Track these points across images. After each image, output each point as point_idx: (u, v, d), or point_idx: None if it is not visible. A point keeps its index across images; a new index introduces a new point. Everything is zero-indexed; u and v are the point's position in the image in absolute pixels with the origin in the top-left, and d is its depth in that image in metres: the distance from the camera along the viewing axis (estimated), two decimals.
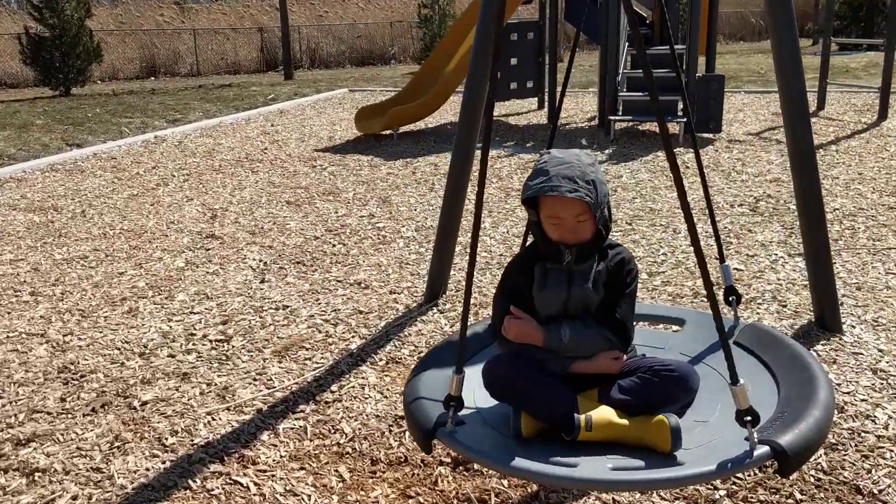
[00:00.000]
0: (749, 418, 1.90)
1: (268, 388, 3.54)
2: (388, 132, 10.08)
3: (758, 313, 4.18)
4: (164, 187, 7.63)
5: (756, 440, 1.89)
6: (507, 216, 6.29)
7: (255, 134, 10.57)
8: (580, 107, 12.64)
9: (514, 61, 11.33)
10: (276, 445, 3.10)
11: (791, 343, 2.50)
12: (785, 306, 4.26)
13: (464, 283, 4.69)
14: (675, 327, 2.92)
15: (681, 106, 9.73)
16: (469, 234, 5.65)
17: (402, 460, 3.00)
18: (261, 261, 5.34)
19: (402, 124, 10.21)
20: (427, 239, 5.74)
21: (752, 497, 2.71)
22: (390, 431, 3.18)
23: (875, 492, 2.69)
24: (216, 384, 3.58)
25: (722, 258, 2.93)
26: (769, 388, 2.30)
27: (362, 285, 4.82)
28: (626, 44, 10.10)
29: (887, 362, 3.59)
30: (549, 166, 2.24)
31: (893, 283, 4.57)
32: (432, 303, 4.44)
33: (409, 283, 4.84)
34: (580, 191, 2.19)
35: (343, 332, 4.13)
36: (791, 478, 2.79)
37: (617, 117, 9.66)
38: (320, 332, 4.15)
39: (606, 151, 8.83)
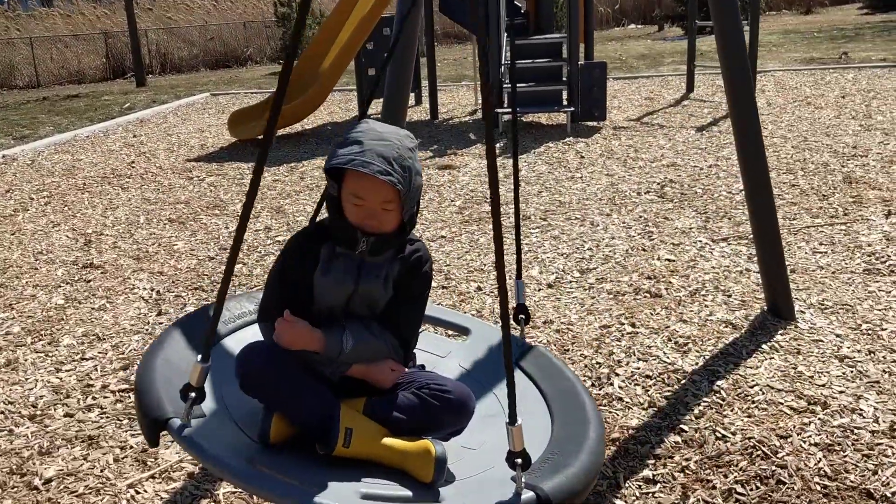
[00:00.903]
0: (520, 461, 1.70)
1: None
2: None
3: (706, 305, 4.01)
4: (24, 213, 6.78)
5: (523, 484, 1.71)
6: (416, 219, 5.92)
7: (118, 147, 9.70)
8: (457, 101, 12.42)
9: None
10: None
11: (569, 375, 2.35)
12: (730, 296, 4.11)
13: None
14: (460, 336, 2.74)
15: (565, 95, 9.66)
16: None
17: None
18: (153, 290, 4.74)
19: (281, 127, 9.64)
20: None
21: None
22: None
23: (888, 494, 2.52)
24: (132, 446, 3.03)
25: (519, 274, 2.68)
26: (543, 423, 2.14)
27: None
28: (506, 34, 9.92)
29: (849, 348, 3.49)
30: (364, 137, 1.94)
31: (824, 261, 4.53)
32: None
33: None
34: (393, 175, 1.90)
35: None
36: (796, 487, 2.58)
37: (503, 110, 9.46)
38: None
39: (497, 145, 8.61)
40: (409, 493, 1.82)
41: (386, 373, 2.02)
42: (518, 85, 9.70)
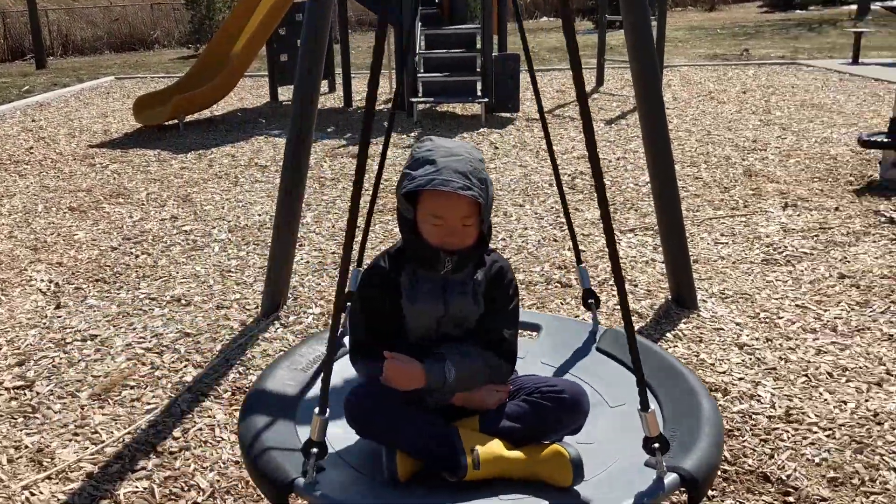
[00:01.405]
0: (657, 445, 1.73)
1: (94, 444, 2.92)
2: (172, 122, 9.20)
3: (613, 295, 4.10)
4: None
5: (665, 468, 1.73)
6: (329, 209, 5.86)
7: (16, 131, 9.26)
8: None
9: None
10: None
11: (657, 350, 2.38)
12: (636, 286, 4.21)
13: (307, 288, 4.30)
14: (530, 333, 2.73)
15: (479, 86, 9.70)
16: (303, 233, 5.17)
17: None
18: (51, 281, 4.54)
19: (189, 113, 9.38)
20: (245, 241, 5.19)
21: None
22: None
23: (783, 477, 2.63)
24: (27, 446, 2.90)
25: (578, 259, 2.73)
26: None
27: (182, 301, 4.22)
28: (420, 24, 9.89)
29: (748, 335, 3.62)
30: (436, 156, 1.90)
31: (725, 252, 4.69)
32: (272, 316, 3.94)
33: (237, 294, 4.30)
34: (473, 189, 1.87)
35: (172, 362, 3.55)
36: None
37: (418, 99, 9.44)
38: (144, 364, 3.54)
39: (412, 134, 8.59)
40: (552, 502, 1.78)
41: (490, 397, 1.98)
42: (432, 75, 9.70)
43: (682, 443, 1.86)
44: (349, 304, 2.53)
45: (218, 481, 2.69)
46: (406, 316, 1.98)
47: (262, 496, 2.60)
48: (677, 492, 1.77)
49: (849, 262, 4.46)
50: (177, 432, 2.99)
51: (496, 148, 7.81)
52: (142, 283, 4.49)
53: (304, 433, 1.93)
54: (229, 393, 3.27)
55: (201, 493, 2.64)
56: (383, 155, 2.75)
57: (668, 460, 1.75)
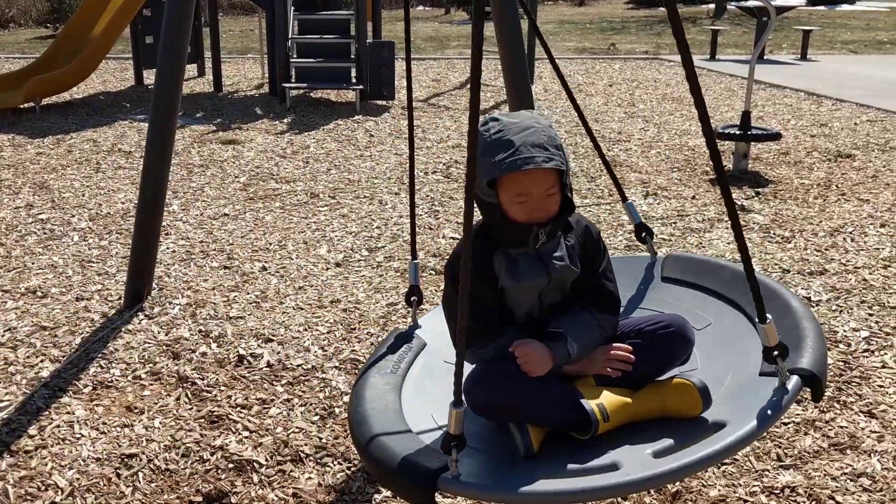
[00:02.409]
0: (777, 353, 1.77)
1: None
2: (29, 105, 8.68)
3: None
4: None
5: (786, 373, 1.78)
6: (197, 196, 5.68)
7: None
8: (243, 73, 12.04)
9: None
10: None
11: (724, 263, 2.40)
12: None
13: (173, 278, 4.15)
14: None
15: (354, 73, 9.64)
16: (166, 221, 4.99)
17: None
18: None
19: (46, 95, 8.88)
20: (107, 230, 4.97)
21: None
22: (119, 475, 2.61)
23: None
24: None
25: (623, 197, 2.75)
26: (738, 315, 2.16)
27: (38, 293, 4.00)
28: (293, 8, 9.72)
29: None
30: (510, 135, 1.87)
31: None
32: (136, 307, 3.80)
33: (98, 285, 4.12)
34: (555, 159, 1.86)
35: (27, 357, 3.37)
36: None
37: (291, 84, 9.28)
38: None
39: (285, 121, 8.45)
40: (688, 433, 1.76)
41: (606, 362, 1.95)
42: (306, 60, 9.56)
43: (790, 345, 1.87)
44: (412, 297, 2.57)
45: (78, 479, 2.58)
46: (509, 298, 1.98)
47: (126, 493, 2.52)
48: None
49: (704, 247, 4.71)
50: (32, 430, 2.84)
51: (371, 136, 7.79)
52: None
53: (420, 430, 1.91)
54: (90, 388, 3.13)
55: (60, 493, 2.52)
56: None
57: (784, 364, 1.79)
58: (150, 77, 10.65)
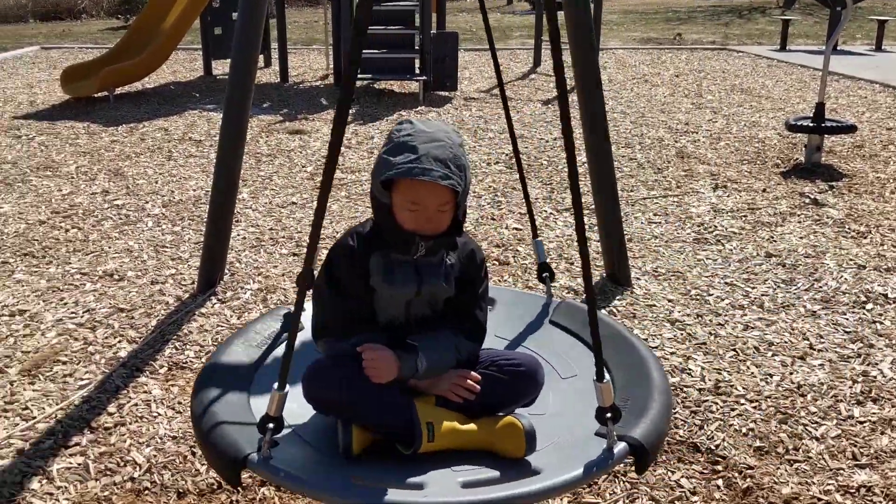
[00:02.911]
0: (610, 415, 1.77)
1: (25, 421, 2.85)
2: (102, 94, 8.94)
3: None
4: None
5: (615, 437, 1.77)
6: (265, 184, 5.78)
7: None
8: (308, 64, 12.17)
9: (235, 16, 10.56)
10: (52, 493, 2.49)
11: (611, 322, 2.43)
12: (572, 264, 4.29)
13: (244, 264, 4.24)
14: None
15: (418, 64, 9.67)
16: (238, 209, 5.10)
17: (214, 488, 2.54)
18: None
19: (119, 85, 9.12)
20: (180, 216, 5.09)
21: None
22: (193, 454, 2.69)
23: (712, 447, 2.72)
24: None
25: (535, 234, 2.78)
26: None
27: (115, 277, 4.13)
28: None
29: (679, 312, 3.72)
30: (416, 142, 1.87)
31: (658, 231, 4.80)
32: (209, 292, 3.89)
33: (172, 269, 4.23)
34: (453, 178, 1.85)
35: (106, 337, 3.48)
36: None
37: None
38: (76, 339, 3.46)
39: (350, 111, 8.50)
40: (505, 472, 1.79)
41: (455, 387, 1.96)
42: (371, 52, 9.62)
43: (633, 412, 1.90)
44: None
45: (154, 456, 2.67)
46: (378, 297, 1.97)
47: (201, 471, 2.59)
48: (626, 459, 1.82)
49: (775, 241, 4.61)
50: (112, 408, 2.94)
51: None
52: (72, 258, 4.38)
53: (258, 409, 1.92)
54: (165, 368, 3.22)
55: (137, 468, 2.61)
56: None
57: (617, 429, 1.79)
58: (218, 67, 10.87)
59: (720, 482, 2.55)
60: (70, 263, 4.30)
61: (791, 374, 3.18)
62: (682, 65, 11.96)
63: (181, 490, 2.53)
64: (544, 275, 2.70)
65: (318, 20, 19.00)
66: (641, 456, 1.78)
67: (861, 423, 2.84)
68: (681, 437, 2.78)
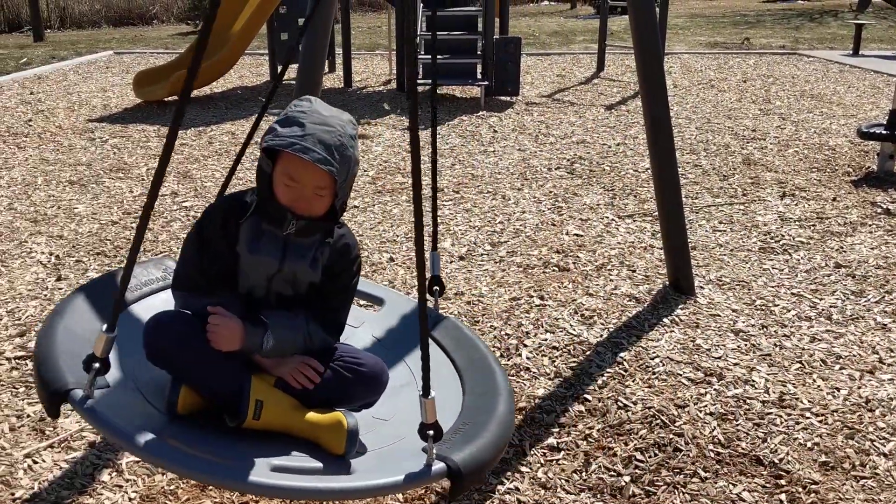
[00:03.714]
0: (432, 433, 1.75)
1: None
2: (172, 98, 9.18)
3: (611, 280, 4.14)
4: None
5: (434, 456, 1.75)
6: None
7: (14, 103, 9.23)
8: (371, 69, 12.30)
9: (301, 22, 10.74)
10: (121, 486, 2.57)
11: (481, 347, 2.41)
12: (634, 271, 4.25)
13: None
14: (373, 305, 2.77)
15: (480, 69, 9.69)
16: None
17: None
18: (51, 254, 4.56)
19: None
20: None
21: (657, 480, 2.60)
22: None
23: (776, 461, 2.67)
24: (29, 415, 2.93)
25: (434, 245, 2.78)
26: (455, 393, 2.19)
27: None
28: (422, 4, 9.86)
29: (743, 322, 3.66)
30: (307, 119, 1.90)
31: (723, 239, 4.72)
32: None
33: None
34: (333, 164, 1.88)
35: None
36: (692, 454, 2.70)
37: (418, 81, 9.42)
38: None
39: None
40: (320, 464, 1.81)
41: (297, 374, 1.97)
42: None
43: (466, 436, 1.88)
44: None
45: None
46: (241, 264, 1.98)
47: None
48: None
49: (845, 251, 4.50)
50: None
51: (495, 131, 7.82)
52: (142, 257, 4.51)
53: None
54: None
55: None
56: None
57: (443, 450, 1.77)
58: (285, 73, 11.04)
59: (783, 497, 2.50)
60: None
61: (859, 388, 3.09)
62: (749, 70, 11.73)
63: None
64: (434, 288, 2.69)
65: (381, 25, 19.18)
66: (456, 479, 1.74)
67: None
68: (743, 449, 2.74)
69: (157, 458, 1.68)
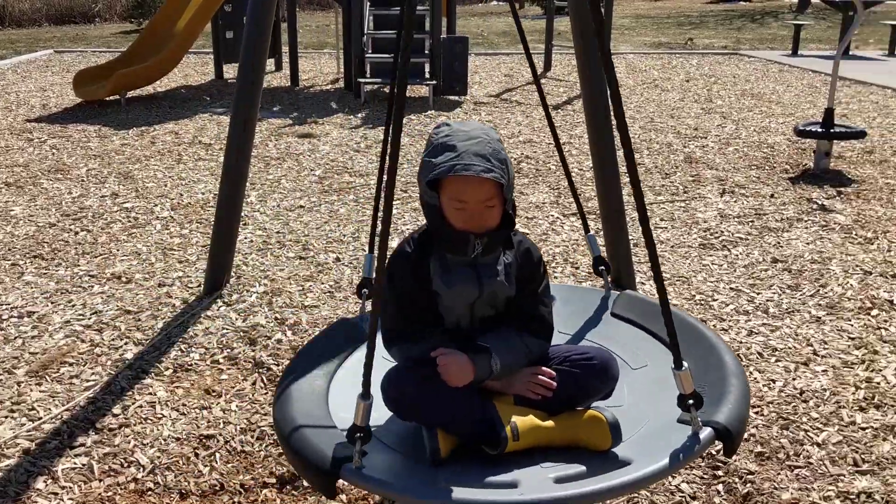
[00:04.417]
0: (692, 402, 1.77)
1: (31, 421, 2.88)
2: (114, 97, 9.01)
3: (556, 277, 4.18)
4: None
5: (700, 423, 1.77)
6: (273, 188, 5.82)
7: None
8: (319, 68, 12.23)
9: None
10: (56, 493, 2.51)
11: (674, 310, 2.40)
12: (578, 268, 4.30)
13: (250, 267, 4.28)
14: None
15: (428, 68, 9.70)
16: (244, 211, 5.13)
17: (217, 488, 2.56)
18: None
19: (131, 88, 9.19)
20: (188, 219, 5.13)
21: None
22: (197, 455, 2.71)
23: (713, 452, 2.72)
24: None
25: (587, 228, 2.77)
26: (668, 360, 2.16)
27: (123, 279, 4.16)
28: (369, 3, 9.83)
29: None
30: (455, 140, 1.91)
31: (664, 236, 4.80)
32: (215, 294, 3.92)
33: (179, 272, 4.26)
34: (495, 171, 1.88)
35: (112, 339, 3.51)
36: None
37: (366, 80, 9.40)
38: (83, 341, 3.49)
39: (359, 115, 8.56)
40: (592, 465, 1.80)
41: (530, 385, 1.98)
42: (381, 56, 9.65)
43: (711, 397, 1.89)
44: (365, 290, 2.60)
45: (158, 457, 2.69)
46: (440, 300, 1.99)
47: (205, 472, 2.61)
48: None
49: (781, 247, 4.61)
50: (116, 409, 2.97)
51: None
52: (81, 261, 4.42)
53: (338, 420, 1.94)
54: (170, 370, 3.25)
55: (141, 469, 2.63)
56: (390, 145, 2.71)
57: (700, 415, 1.79)
58: (229, 71, 10.93)
59: (720, 487, 2.55)
60: (78, 266, 4.34)
61: (794, 379, 3.17)
62: (692, 69, 11.95)
63: (184, 491, 2.55)
64: (600, 268, 2.68)
65: (329, 24, 19.07)
66: (727, 439, 1.78)
67: (863, 429, 2.83)
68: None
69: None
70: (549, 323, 2.08)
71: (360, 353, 2.24)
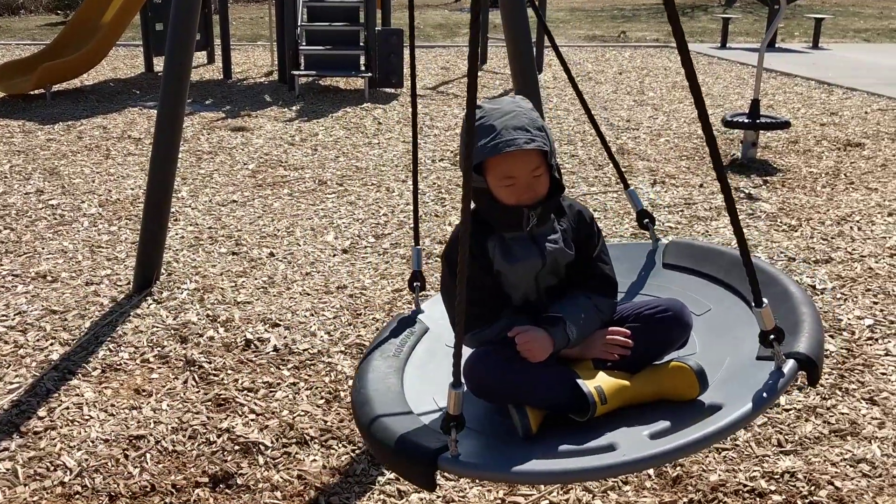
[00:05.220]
0: (774, 336, 1.76)
1: None
2: (39, 92, 8.73)
3: None
4: None
5: (782, 356, 1.77)
6: (206, 183, 5.72)
7: None
8: (252, 61, 12.05)
9: None
10: None
11: (724, 250, 2.40)
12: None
13: (181, 264, 4.20)
14: None
15: (363, 60, 9.64)
16: (184, 207, 5.04)
17: (147, 489, 2.52)
18: None
19: (57, 82, 8.92)
20: (117, 216, 5.01)
21: None
22: (126, 456, 2.66)
23: None
24: None
25: (626, 184, 2.74)
26: (734, 299, 2.15)
27: (48, 278, 4.05)
28: None
29: None
30: (491, 120, 1.90)
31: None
32: (144, 292, 3.84)
33: (107, 270, 4.16)
34: (537, 140, 1.89)
35: (37, 340, 3.41)
36: None
37: (300, 72, 9.29)
38: (6, 342, 3.39)
39: (294, 108, 8.47)
40: (683, 416, 1.77)
41: (606, 346, 1.96)
42: (316, 48, 9.57)
43: (786, 329, 1.86)
44: (415, 282, 2.55)
45: (86, 460, 2.63)
46: (505, 279, 1.99)
47: (134, 474, 2.56)
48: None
49: (710, 235, 4.72)
50: (42, 412, 2.89)
51: (379, 123, 7.81)
52: (4, 260, 4.28)
53: (422, 412, 1.93)
54: (99, 371, 3.17)
55: (68, 473, 2.57)
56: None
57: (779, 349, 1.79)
58: (159, 64, 10.68)
59: (650, 471, 2.60)
60: (1, 265, 4.20)
61: None
62: (625, 62, 12.13)
63: (113, 493, 2.49)
64: (645, 220, 2.65)
65: (262, 16, 18.80)
66: (812, 368, 1.78)
67: (787, 410, 2.92)
68: None
69: (563, 477, 1.71)
70: (613, 280, 2.08)
71: (424, 347, 2.27)
